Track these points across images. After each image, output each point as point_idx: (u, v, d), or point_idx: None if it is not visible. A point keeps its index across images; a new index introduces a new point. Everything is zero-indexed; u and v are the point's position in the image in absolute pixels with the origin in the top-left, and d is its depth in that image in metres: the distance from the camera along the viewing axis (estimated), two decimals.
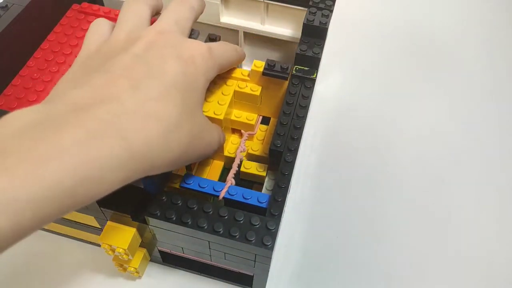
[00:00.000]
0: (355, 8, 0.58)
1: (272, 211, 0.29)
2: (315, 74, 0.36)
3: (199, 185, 0.31)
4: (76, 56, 0.38)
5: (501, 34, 0.57)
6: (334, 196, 0.41)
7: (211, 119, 0.36)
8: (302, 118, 0.33)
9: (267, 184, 0.35)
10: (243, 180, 0.37)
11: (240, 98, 0.38)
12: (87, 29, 0.40)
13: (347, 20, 0.55)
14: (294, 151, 0.32)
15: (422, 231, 0.39)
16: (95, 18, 0.41)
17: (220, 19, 0.45)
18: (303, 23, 0.37)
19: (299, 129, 0.33)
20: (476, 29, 0.57)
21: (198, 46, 0.29)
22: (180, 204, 0.29)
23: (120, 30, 0.29)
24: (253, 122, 0.39)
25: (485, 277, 0.37)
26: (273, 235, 0.27)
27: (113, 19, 0.41)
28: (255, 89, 0.37)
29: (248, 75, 0.37)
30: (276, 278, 0.36)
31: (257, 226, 0.28)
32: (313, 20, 0.37)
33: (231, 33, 0.46)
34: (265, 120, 0.40)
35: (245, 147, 0.37)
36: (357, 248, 0.38)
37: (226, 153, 0.39)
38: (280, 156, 0.32)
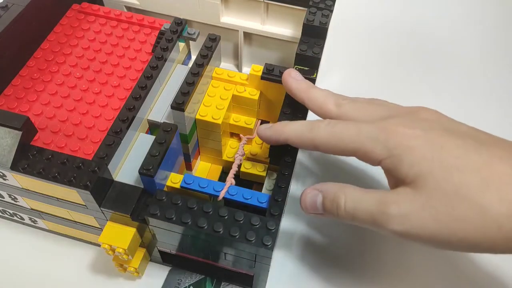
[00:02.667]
0: (355, 8, 0.58)
1: (272, 211, 0.29)
2: (315, 74, 0.36)
3: (199, 185, 0.31)
4: (75, 57, 0.38)
5: (501, 33, 0.57)
6: None
7: (209, 123, 0.36)
8: (302, 118, 0.33)
9: (267, 184, 0.35)
10: (243, 180, 0.37)
11: (238, 103, 0.38)
12: (87, 29, 0.41)
13: (347, 20, 0.55)
14: (294, 152, 0.32)
15: None
16: (95, 18, 0.41)
17: (220, 19, 0.45)
18: (303, 23, 0.37)
19: None
20: (476, 28, 0.57)
21: None
22: (180, 204, 0.29)
23: None
24: (251, 126, 0.39)
25: (486, 277, 0.37)
26: (273, 235, 0.27)
27: (113, 19, 0.41)
28: (253, 93, 0.37)
29: (247, 79, 0.37)
30: (276, 278, 0.36)
31: (257, 226, 0.28)
32: (313, 20, 0.37)
33: (231, 33, 0.46)
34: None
35: (244, 151, 0.37)
36: (357, 248, 0.38)
37: (224, 157, 0.39)
38: (280, 156, 0.32)
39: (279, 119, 0.33)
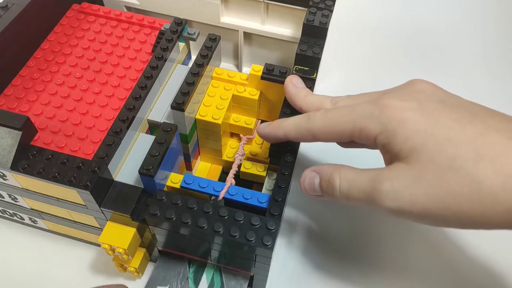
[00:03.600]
0: (355, 8, 0.58)
1: (272, 211, 0.29)
2: (315, 74, 0.36)
3: (199, 185, 0.31)
4: (75, 57, 0.38)
5: (499, 31, 0.57)
6: None
7: (209, 123, 0.36)
8: None
9: (267, 184, 0.35)
10: (243, 180, 0.37)
11: (238, 102, 0.38)
12: (87, 29, 0.41)
13: (347, 20, 0.55)
14: (294, 151, 0.32)
15: (424, 232, 0.39)
16: (95, 18, 0.41)
17: (220, 19, 0.45)
18: (303, 23, 0.37)
19: None
20: (476, 28, 0.57)
21: None
22: (180, 204, 0.29)
23: None
24: (251, 126, 0.39)
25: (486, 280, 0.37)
26: (273, 235, 0.27)
27: (113, 19, 0.41)
28: (253, 93, 0.37)
29: (247, 79, 0.37)
30: (276, 278, 0.36)
31: (257, 226, 0.28)
32: (313, 20, 0.37)
33: (231, 33, 0.46)
34: None
35: (244, 151, 0.37)
36: (357, 248, 0.38)
37: (224, 157, 0.39)
38: (280, 156, 0.32)
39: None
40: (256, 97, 0.37)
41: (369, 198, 0.25)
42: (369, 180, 0.25)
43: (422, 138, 0.24)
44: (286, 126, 0.30)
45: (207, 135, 0.37)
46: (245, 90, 0.37)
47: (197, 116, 0.35)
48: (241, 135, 0.39)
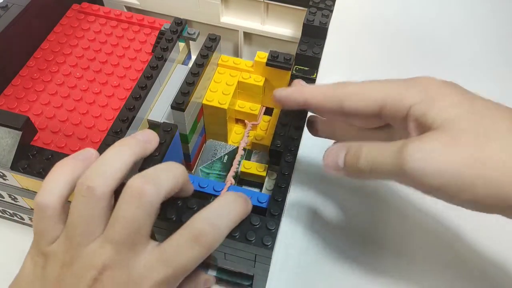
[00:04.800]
0: (355, 8, 0.58)
1: (272, 211, 0.29)
2: (315, 74, 0.36)
3: (199, 185, 0.31)
4: (75, 57, 0.38)
5: (499, 31, 0.57)
6: (334, 195, 0.41)
7: (216, 108, 0.36)
8: (302, 119, 0.33)
9: (267, 184, 0.35)
10: (243, 180, 0.37)
11: (243, 89, 0.38)
12: (87, 29, 0.40)
13: (347, 20, 0.55)
14: (294, 151, 0.32)
15: (425, 230, 0.39)
16: (95, 18, 0.41)
17: (220, 19, 0.45)
18: (303, 23, 0.37)
19: (299, 129, 0.33)
20: (476, 26, 0.57)
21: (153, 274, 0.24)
22: (180, 204, 0.29)
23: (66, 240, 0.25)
24: (256, 112, 0.39)
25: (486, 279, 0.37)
26: (273, 235, 0.27)
27: (113, 19, 0.41)
28: (258, 79, 0.38)
29: (252, 66, 0.38)
30: (276, 278, 0.36)
31: (257, 226, 0.28)
32: (313, 20, 0.37)
33: (231, 33, 0.46)
34: (268, 111, 0.41)
35: (248, 139, 0.37)
36: (357, 248, 0.38)
37: (230, 143, 0.40)
38: (280, 156, 0.32)
39: (280, 120, 0.33)
40: (261, 84, 0.37)
41: (395, 162, 0.24)
42: (397, 146, 0.25)
43: (458, 110, 0.24)
44: (309, 91, 0.28)
45: (213, 120, 0.37)
46: (250, 77, 0.38)
47: (204, 101, 0.36)
48: (246, 121, 0.40)
